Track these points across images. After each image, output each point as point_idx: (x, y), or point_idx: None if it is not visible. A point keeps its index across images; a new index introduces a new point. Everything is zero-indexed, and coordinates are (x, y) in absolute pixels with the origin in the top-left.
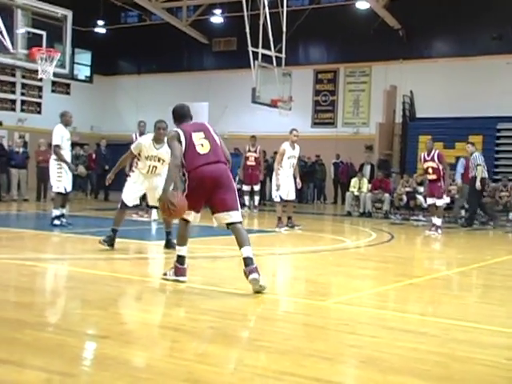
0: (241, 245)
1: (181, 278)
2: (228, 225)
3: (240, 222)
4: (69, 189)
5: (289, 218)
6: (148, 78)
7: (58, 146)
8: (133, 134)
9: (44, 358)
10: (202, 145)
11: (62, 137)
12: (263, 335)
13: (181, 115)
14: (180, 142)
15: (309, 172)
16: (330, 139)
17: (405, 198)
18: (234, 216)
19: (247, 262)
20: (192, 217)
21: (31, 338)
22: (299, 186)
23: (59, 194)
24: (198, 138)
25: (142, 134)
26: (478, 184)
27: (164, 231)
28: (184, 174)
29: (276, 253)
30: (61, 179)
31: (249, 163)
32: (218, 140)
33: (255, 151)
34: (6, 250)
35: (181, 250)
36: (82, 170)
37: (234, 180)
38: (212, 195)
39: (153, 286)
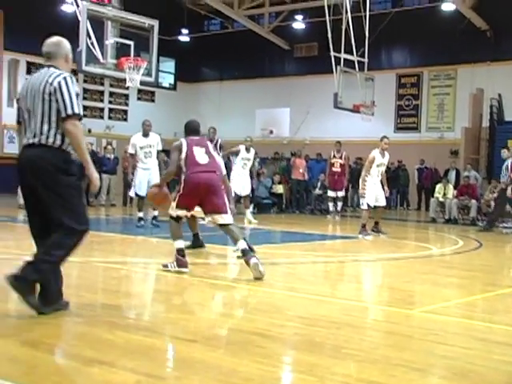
0: (235, 240)
1: (183, 269)
2: (220, 225)
3: (231, 224)
4: (140, 193)
5: (376, 223)
6: (230, 85)
7: (130, 155)
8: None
9: (135, 360)
10: (202, 157)
11: (133, 145)
12: (350, 343)
13: (190, 129)
14: (180, 151)
15: (392, 178)
16: (414, 144)
17: (493, 204)
18: (226, 218)
19: (245, 252)
20: (183, 213)
21: (123, 340)
22: (387, 194)
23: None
24: (198, 151)
25: (211, 140)
26: (509, 191)
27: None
28: (180, 178)
29: (360, 259)
30: (133, 184)
31: (334, 169)
32: (215, 155)
33: (340, 157)
34: (96, 254)
35: (178, 244)
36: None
37: (315, 185)
38: (205, 199)
39: (237, 291)
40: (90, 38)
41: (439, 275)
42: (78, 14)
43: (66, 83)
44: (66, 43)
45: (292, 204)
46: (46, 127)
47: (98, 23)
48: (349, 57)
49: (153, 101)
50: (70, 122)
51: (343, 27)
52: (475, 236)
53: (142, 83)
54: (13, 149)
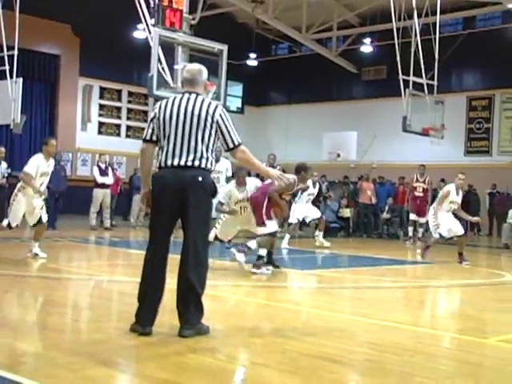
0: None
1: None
2: None
3: None
4: None
5: (459, 253)
6: (298, 108)
7: None
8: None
9: (207, 382)
10: None
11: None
12: (423, 371)
13: None
14: None
15: (462, 202)
16: (485, 168)
17: None
18: None
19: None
20: None
21: (195, 362)
22: (474, 220)
23: None
24: None
25: (271, 166)
26: None
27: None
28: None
29: (431, 285)
30: None
31: (417, 194)
32: None
33: (424, 181)
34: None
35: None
36: None
37: (382, 209)
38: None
39: (304, 314)
40: (160, 63)
41: None
42: (149, 40)
43: (225, 115)
44: (205, 71)
45: (359, 228)
46: (202, 152)
47: (168, 49)
48: (418, 80)
49: None
50: (239, 151)
51: (412, 50)
52: None
53: None
54: (86, 171)
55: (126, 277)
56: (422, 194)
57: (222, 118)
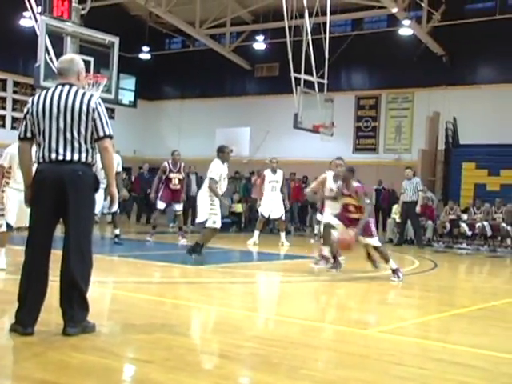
0: None
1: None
2: None
3: None
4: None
5: None
6: (191, 103)
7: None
8: (165, 162)
9: (91, 382)
10: None
11: (219, 174)
12: (307, 363)
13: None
14: None
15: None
16: (372, 165)
17: (448, 225)
18: None
19: None
20: None
21: (78, 361)
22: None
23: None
24: None
25: (175, 162)
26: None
27: None
28: None
29: (319, 279)
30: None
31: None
32: None
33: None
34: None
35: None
36: (125, 193)
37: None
38: None
39: (194, 310)
40: (48, 54)
41: (395, 295)
42: (36, 29)
43: (101, 105)
44: (79, 60)
45: (251, 223)
46: (80, 145)
47: (57, 38)
48: (309, 78)
49: (112, 118)
50: (106, 142)
51: (303, 48)
52: (431, 256)
53: (101, 100)
54: None
55: (9, 274)
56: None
57: (97, 108)
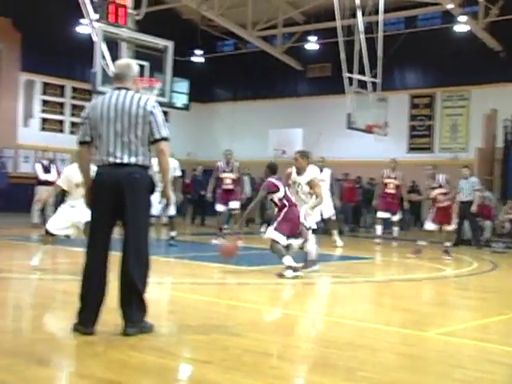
0: None
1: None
2: None
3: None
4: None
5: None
6: (243, 105)
7: None
8: (219, 161)
9: (149, 381)
10: None
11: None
12: (365, 365)
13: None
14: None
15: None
16: (427, 165)
17: (507, 225)
18: None
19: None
20: None
21: (137, 361)
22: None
23: None
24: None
25: (228, 162)
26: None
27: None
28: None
29: (373, 280)
30: None
31: (388, 190)
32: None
33: (395, 178)
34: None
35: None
36: (179, 195)
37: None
38: None
39: (249, 311)
40: (104, 59)
41: (454, 297)
42: (93, 36)
43: (157, 108)
44: (134, 65)
45: None
46: (137, 148)
47: (112, 44)
48: (362, 77)
49: (166, 121)
50: (162, 144)
51: (356, 48)
52: (490, 257)
53: None
54: (28, 168)
55: (69, 275)
56: (393, 191)
57: (153, 111)
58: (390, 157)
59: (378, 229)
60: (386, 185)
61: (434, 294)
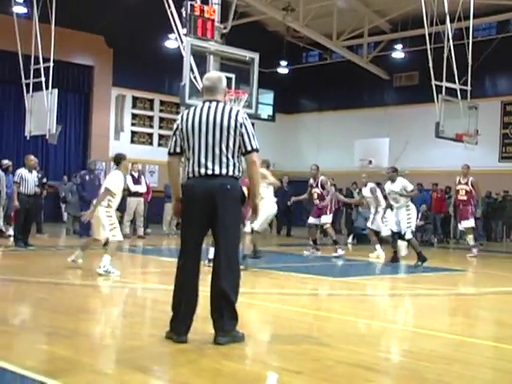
0: None
1: None
2: None
3: None
4: None
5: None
6: (329, 115)
7: None
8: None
9: None
10: None
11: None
12: (461, 380)
13: None
14: None
15: (498, 208)
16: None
17: None
18: None
19: None
20: None
21: (230, 370)
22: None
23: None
24: None
25: (314, 177)
26: None
27: None
28: None
29: (465, 293)
30: None
31: (459, 197)
32: None
33: (466, 183)
34: None
35: None
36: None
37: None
38: None
39: (338, 322)
40: (192, 72)
41: None
42: (181, 50)
43: (247, 120)
44: (224, 78)
45: None
46: (228, 159)
47: (200, 58)
48: (451, 85)
49: None
50: (254, 155)
51: (445, 55)
52: None
53: None
54: None
55: (160, 284)
56: (464, 198)
57: (244, 123)
58: (480, 166)
59: (470, 239)
60: (457, 191)
61: None
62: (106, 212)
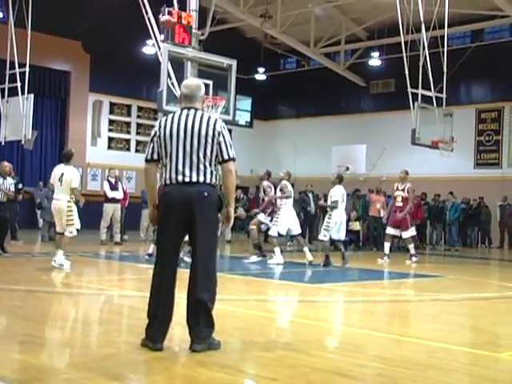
0: None
1: None
2: None
3: None
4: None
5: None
6: (306, 122)
7: None
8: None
9: None
10: None
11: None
12: None
13: None
14: None
15: (473, 215)
16: (495, 180)
17: None
18: None
19: None
20: None
21: (206, 377)
22: None
23: None
24: None
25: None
26: None
27: None
28: None
29: (441, 299)
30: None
31: (396, 204)
32: None
33: (403, 189)
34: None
35: None
36: (241, 212)
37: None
38: None
39: (315, 328)
40: (170, 79)
41: None
42: (159, 56)
43: (225, 129)
44: (203, 86)
45: (369, 241)
46: (205, 167)
47: (177, 64)
48: (426, 92)
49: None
50: (230, 164)
51: (420, 63)
52: None
53: None
54: (96, 186)
55: (136, 291)
56: (401, 204)
57: (222, 132)
58: (455, 173)
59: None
60: (395, 198)
61: (505, 313)
62: (68, 207)
